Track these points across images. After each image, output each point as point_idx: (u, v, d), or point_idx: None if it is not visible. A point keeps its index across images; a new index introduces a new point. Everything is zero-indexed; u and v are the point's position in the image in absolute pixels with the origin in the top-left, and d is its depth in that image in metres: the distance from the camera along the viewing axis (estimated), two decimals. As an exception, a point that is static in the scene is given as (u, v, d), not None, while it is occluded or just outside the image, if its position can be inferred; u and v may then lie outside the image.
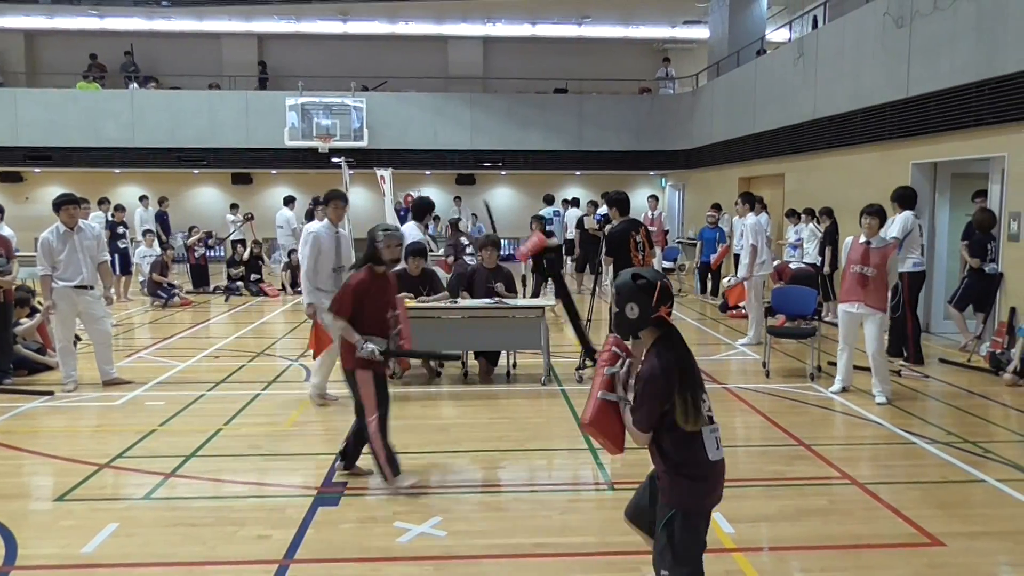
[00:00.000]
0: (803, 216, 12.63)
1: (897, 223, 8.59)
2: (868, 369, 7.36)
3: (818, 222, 11.95)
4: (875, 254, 6.95)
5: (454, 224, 13.43)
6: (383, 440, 4.94)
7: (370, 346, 4.86)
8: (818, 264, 11.58)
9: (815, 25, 15.90)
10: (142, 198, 17.14)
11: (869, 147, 11.87)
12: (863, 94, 11.96)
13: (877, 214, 7.03)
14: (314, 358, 7.07)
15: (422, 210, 8.62)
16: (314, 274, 6.81)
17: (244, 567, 3.95)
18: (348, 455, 5.21)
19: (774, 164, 15.42)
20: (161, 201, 17.94)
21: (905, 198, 8.66)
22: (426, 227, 8.74)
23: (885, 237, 8.93)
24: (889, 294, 7.27)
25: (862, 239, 7.09)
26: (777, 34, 19.55)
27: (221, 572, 3.91)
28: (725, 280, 12.41)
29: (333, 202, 6.85)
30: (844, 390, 7.39)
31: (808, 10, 16.89)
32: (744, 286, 10.27)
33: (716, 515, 4.48)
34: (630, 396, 3.06)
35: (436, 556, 4.08)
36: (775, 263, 11.42)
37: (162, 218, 17.52)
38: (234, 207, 19.01)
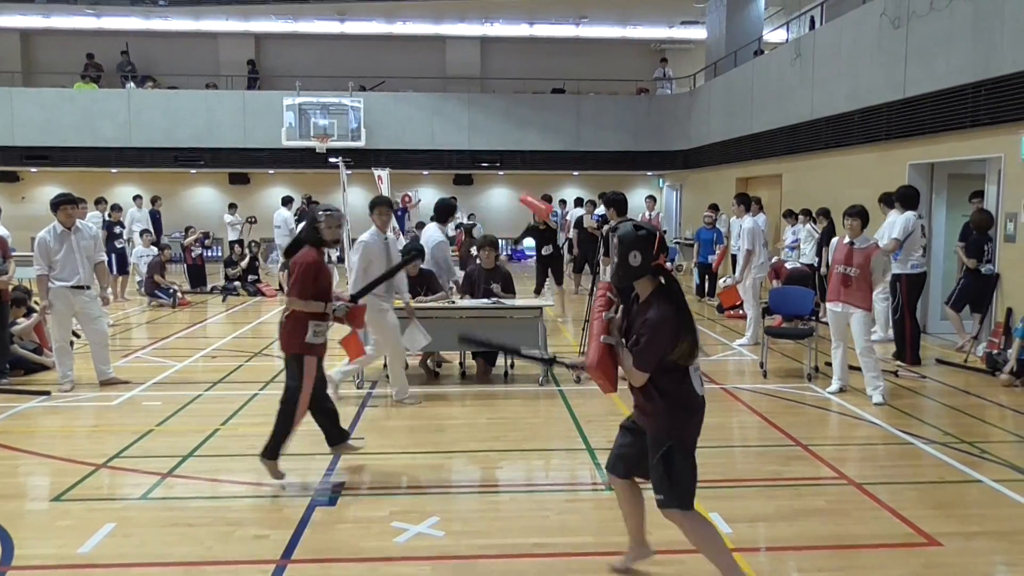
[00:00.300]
0: (800, 217, 12.64)
1: (898, 224, 8.60)
2: (854, 368, 7.41)
3: (815, 223, 11.97)
4: (858, 254, 7.02)
5: (468, 230, 13.44)
6: (297, 422, 5.00)
7: (341, 307, 5.06)
8: (815, 264, 11.60)
9: (812, 26, 15.93)
10: (135, 197, 17.06)
11: (866, 148, 11.89)
12: (860, 95, 11.98)
13: (859, 215, 7.10)
14: (350, 363, 7.05)
15: (445, 212, 8.41)
16: (363, 282, 6.74)
17: (241, 567, 3.94)
18: (331, 435, 5.27)
19: (771, 164, 15.43)
20: (154, 200, 17.93)
21: (907, 198, 8.69)
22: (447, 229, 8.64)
23: (880, 237, 8.98)
24: (879, 294, 7.30)
25: (846, 239, 7.18)
26: (774, 35, 19.57)
27: (218, 572, 3.90)
28: (721, 281, 12.38)
29: (378, 208, 6.81)
30: (842, 390, 7.40)
31: (805, 11, 16.92)
32: (737, 288, 10.24)
33: (713, 515, 4.51)
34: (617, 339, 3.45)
35: (433, 556, 4.07)
36: (772, 260, 11.44)
37: (154, 217, 17.50)
38: (232, 207, 18.97)
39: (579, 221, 15.92)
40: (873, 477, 5.21)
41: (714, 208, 14.12)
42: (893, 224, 8.74)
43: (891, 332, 9.37)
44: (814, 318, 8.40)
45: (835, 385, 7.45)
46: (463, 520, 4.52)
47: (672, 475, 3.42)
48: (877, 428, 6.39)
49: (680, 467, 3.44)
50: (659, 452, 3.42)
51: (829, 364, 8.02)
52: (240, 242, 16.89)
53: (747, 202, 10.65)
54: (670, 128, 21.25)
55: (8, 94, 20.70)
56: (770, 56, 16.50)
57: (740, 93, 17.08)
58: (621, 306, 3.50)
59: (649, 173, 23.38)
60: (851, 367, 7.48)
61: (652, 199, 16.28)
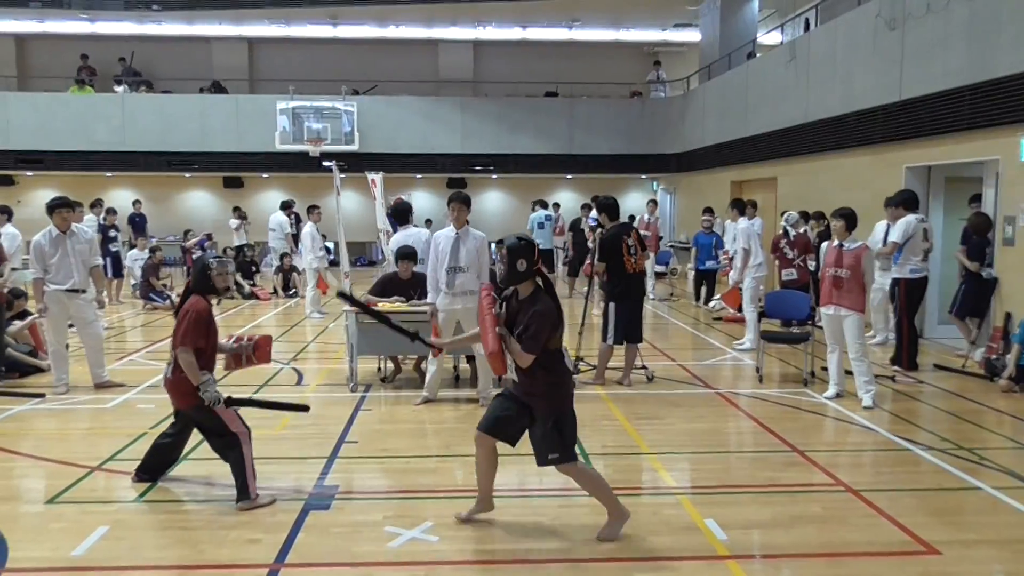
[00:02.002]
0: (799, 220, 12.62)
1: (898, 227, 8.59)
2: (849, 373, 7.39)
3: (812, 227, 11.95)
4: (848, 256, 7.06)
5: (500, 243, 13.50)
6: (249, 458, 4.77)
7: (212, 392, 4.73)
8: (811, 268, 11.59)
9: (807, 28, 15.96)
10: (93, 204, 15.34)
11: (862, 150, 11.90)
12: (855, 97, 12.00)
13: (844, 217, 7.15)
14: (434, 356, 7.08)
15: (404, 213, 8.78)
16: (433, 274, 6.95)
17: (234, 571, 3.92)
18: (238, 492, 4.74)
19: (766, 168, 15.45)
20: (135, 203, 17.86)
21: (909, 201, 8.69)
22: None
23: (875, 241, 8.98)
24: (872, 296, 7.31)
25: (835, 242, 7.21)
26: (768, 37, 19.61)
27: (211, 578, 3.88)
28: (715, 301, 12.35)
29: (451, 204, 6.92)
30: (838, 395, 7.39)
31: (800, 12, 16.95)
32: (739, 290, 10.26)
33: (709, 521, 4.51)
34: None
35: (427, 561, 4.05)
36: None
37: (134, 220, 17.39)
38: (237, 211, 18.46)
39: (575, 224, 15.91)
40: (870, 484, 5.21)
41: (710, 212, 14.11)
42: (892, 228, 8.74)
43: (891, 336, 9.37)
44: (810, 322, 8.39)
45: (832, 390, 7.44)
46: (457, 525, 4.49)
47: (564, 438, 4.20)
48: (874, 434, 6.38)
49: (567, 431, 4.22)
50: (551, 422, 4.18)
51: (826, 369, 8.03)
52: (248, 246, 16.80)
53: (741, 206, 10.66)
54: (663, 131, 21.27)
55: (3, 98, 20.63)
56: (764, 58, 16.52)
57: (734, 96, 17.10)
58: (504, 302, 4.29)
59: (643, 176, 23.40)
60: (848, 372, 7.47)
61: (654, 203, 16.24)
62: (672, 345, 10.34)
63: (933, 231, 9.29)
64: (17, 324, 8.53)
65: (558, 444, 4.19)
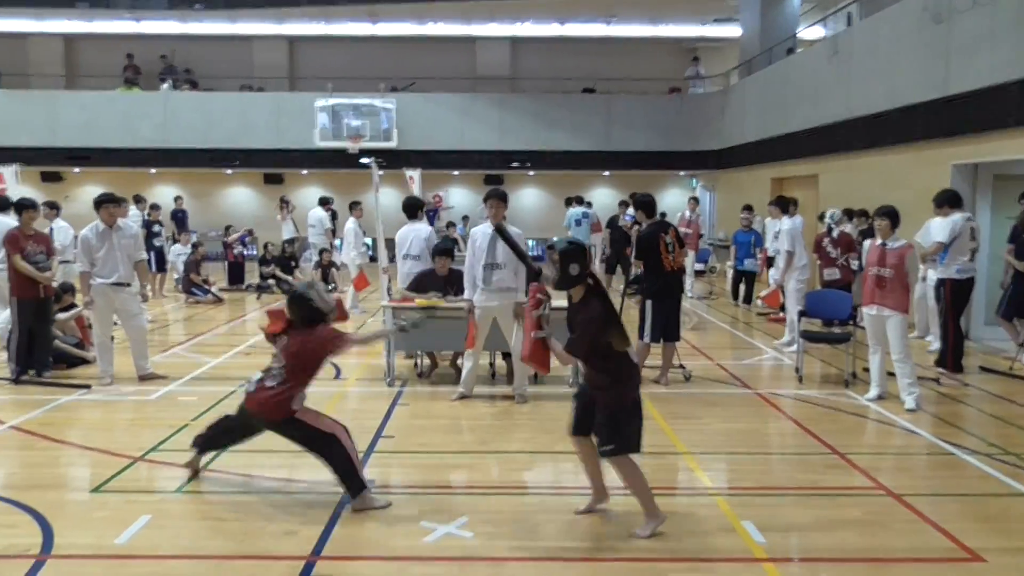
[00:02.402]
0: (842, 217, 12.37)
1: (944, 226, 8.39)
2: (892, 375, 7.23)
3: (855, 224, 11.72)
4: (891, 255, 6.93)
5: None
6: (352, 451, 4.68)
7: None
8: (854, 267, 11.37)
9: (849, 22, 15.66)
10: (137, 200, 15.48)
11: (905, 148, 11.65)
12: (899, 93, 11.74)
13: (888, 215, 7.02)
14: (469, 348, 7.16)
15: (412, 208, 8.85)
16: (470, 271, 7.03)
17: (271, 562, 3.97)
18: (348, 491, 4.67)
19: (807, 165, 15.21)
20: (176, 199, 18.19)
21: (953, 199, 8.49)
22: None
23: (922, 240, 8.78)
24: (915, 296, 7.15)
25: (878, 241, 7.08)
26: (810, 31, 19.29)
27: (249, 566, 3.94)
28: (763, 293, 11.98)
29: (488, 201, 6.93)
30: (880, 397, 7.25)
31: (842, 6, 16.64)
32: (780, 291, 10.09)
33: (746, 523, 4.46)
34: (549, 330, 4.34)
35: (461, 557, 4.07)
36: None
37: (176, 215, 17.68)
38: (283, 202, 18.13)
39: (612, 221, 15.83)
40: (912, 488, 5.10)
41: (749, 209, 13.91)
42: (937, 227, 8.54)
43: (931, 339, 9.17)
44: (852, 322, 8.24)
45: (873, 392, 7.30)
46: (492, 521, 4.50)
47: (619, 432, 4.29)
48: (917, 437, 6.25)
49: (624, 426, 4.30)
50: (607, 414, 4.31)
51: (867, 370, 7.89)
52: (293, 240, 16.96)
53: (784, 204, 10.45)
54: (702, 127, 21.05)
55: (52, 97, 21.18)
56: (806, 53, 16.26)
57: (774, 92, 16.86)
58: (548, 304, 4.41)
59: (681, 173, 23.19)
60: (890, 373, 7.33)
61: (695, 200, 16.05)
62: (710, 344, 10.23)
63: (980, 230, 9.05)
64: (63, 316, 8.75)
65: (613, 436, 4.30)
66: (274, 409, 4.61)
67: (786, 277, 9.80)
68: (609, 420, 4.29)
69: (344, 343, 4.75)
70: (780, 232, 10.11)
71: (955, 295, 8.44)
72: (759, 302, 12.91)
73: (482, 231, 7.01)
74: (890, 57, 12.10)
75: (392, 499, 4.83)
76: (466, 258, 7.13)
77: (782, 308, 10.84)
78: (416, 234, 8.53)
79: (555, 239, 4.42)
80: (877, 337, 7.17)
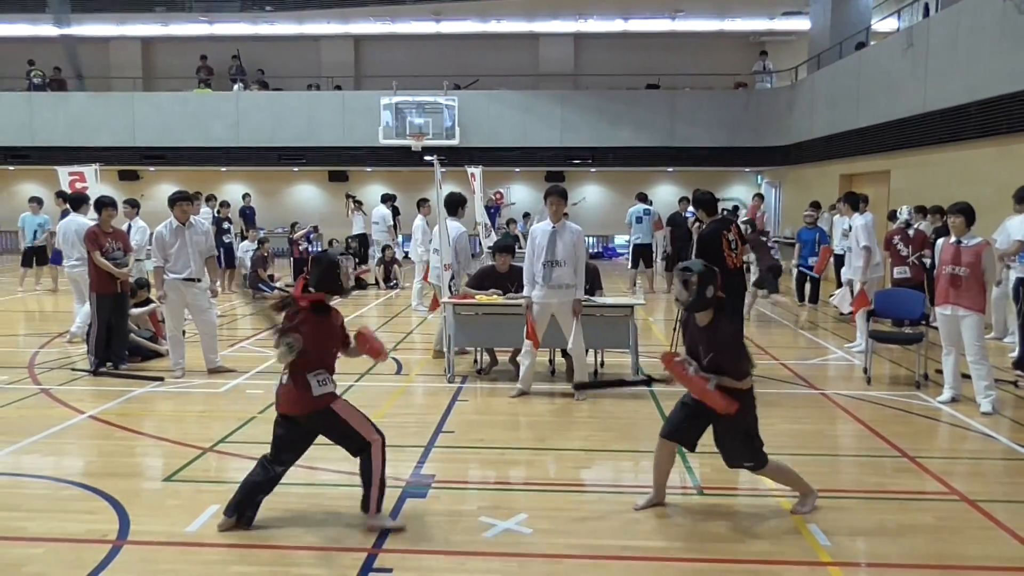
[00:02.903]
0: (916, 215, 11.95)
1: (1020, 224, 8.08)
2: (966, 377, 7.01)
3: (930, 221, 11.29)
4: (967, 253, 6.67)
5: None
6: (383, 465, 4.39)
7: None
8: (927, 266, 10.97)
9: (926, 13, 15.12)
10: (208, 198, 16.27)
11: (985, 142, 11.19)
12: (979, 85, 11.29)
13: (962, 212, 6.77)
14: (533, 348, 7.19)
15: (453, 205, 8.91)
16: (529, 268, 7.05)
17: (335, 554, 4.06)
18: (364, 504, 4.38)
19: (879, 160, 14.75)
20: (245, 197, 18.70)
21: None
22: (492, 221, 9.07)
23: (1000, 238, 8.43)
24: (992, 296, 6.84)
25: (952, 239, 6.82)
26: (883, 24, 18.68)
27: (312, 557, 4.03)
28: (837, 294, 11.38)
29: (549, 198, 6.99)
30: (954, 400, 7.00)
31: (918, -2, 16.09)
32: (864, 291, 9.66)
33: (811, 526, 4.36)
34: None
35: (520, 553, 4.08)
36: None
37: (245, 212, 18.16)
38: (353, 200, 18.29)
39: (673, 218, 15.63)
40: (988, 494, 4.91)
41: (815, 206, 13.55)
42: (1014, 224, 8.20)
43: (1010, 340, 8.79)
44: (924, 322, 7.96)
45: (947, 394, 7.04)
46: (551, 518, 4.51)
47: (754, 447, 4.40)
48: (993, 441, 6.01)
49: (757, 439, 4.41)
50: (740, 434, 4.36)
51: (940, 371, 7.61)
52: (361, 236, 17.24)
53: (855, 201, 10.11)
54: (769, 123, 20.61)
55: (130, 98, 22.04)
56: (879, 46, 15.76)
57: (845, 86, 16.39)
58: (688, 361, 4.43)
59: (747, 170, 22.76)
60: (964, 375, 7.06)
61: (759, 197, 15.76)
62: (774, 343, 10.03)
63: None
64: (138, 311, 9.09)
65: (751, 453, 4.42)
66: (296, 401, 4.32)
67: (865, 275, 9.36)
68: (746, 439, 4.39)
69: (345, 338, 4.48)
70: (854, 228, 9.67)
71: None
72: (839, 305, 12.35)
73: (542, 228, 7.00)
74: (970, 49, 11.64)
75: (452, 494, 4.89)
76: (526, 255, 7.14)
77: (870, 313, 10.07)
78: (453, 230, 8.63)
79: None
80: (951, 338, 6.91)
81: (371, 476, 4.33)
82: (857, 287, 9.12)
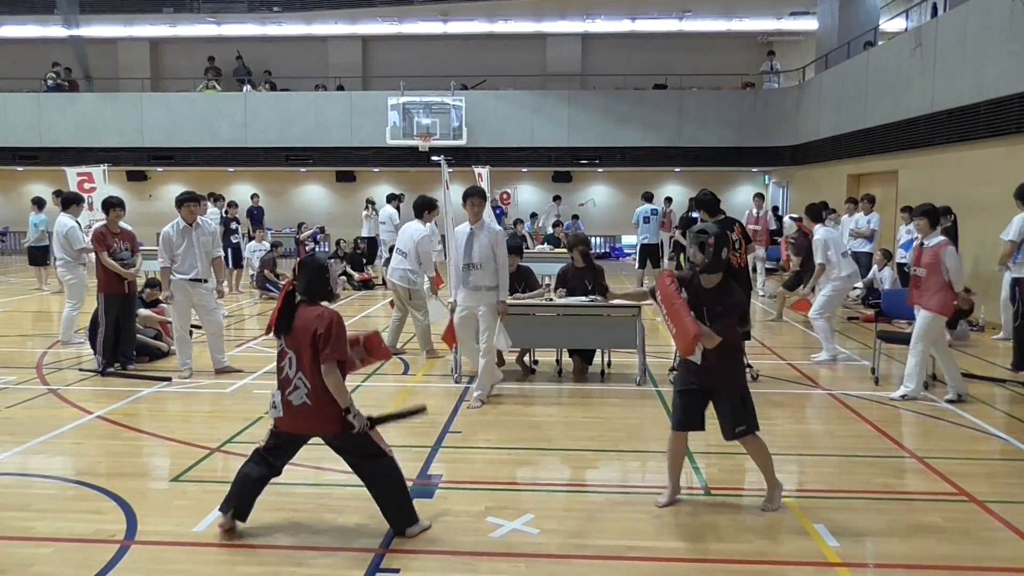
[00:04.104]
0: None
1: (1014, 224, 8.11)
2: (982, 378, 7.01)
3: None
4: (927, 253, 6.84)
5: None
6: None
7: (361, 416, 4.16)
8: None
9: (934, 13, 15.06)
10: (216, 199, 16.17)
11: (994, 142, 11.14)
12: (988, 85, 11.23)
13: (925, 214, 6.96)
14: (450, 348, 7.13)
15: (421, 207, 8.92)
16: (456, 270, 7.01)
17: (341, 554, 4.06)
18: (399, 523, 4.27)
19: (887, 160, 14.70)
20: (253, 197, 18.75)
21: None
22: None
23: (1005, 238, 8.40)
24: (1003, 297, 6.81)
25: (918, 241, 7.02)
26: (891, 24, 18.62)
27: (319, 557, 4.03)
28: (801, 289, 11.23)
29: (469, 199, 6.88)
30: (959, 398, 6.99)
31: (926, -3, 16.03)
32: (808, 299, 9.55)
33: (819, 527, 4.34)
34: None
35: (528, 554, 4.08)
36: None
37: (252, 213, 18.20)
38: (373, 205, 18.02)
39: (683, 220, 15.61)
40: (997, 495, 4.88)
41: (825, 207, 13.48)
42: (1014, 224, 8.20)
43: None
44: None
45: (951, 393, 7.08)
46: (558, 519, 4.50)
47: (748, 409, 4.55)
48: (1003, 442, 5.98)
49: (751, 402, 4.57)
50: (738, 397, 4.53)
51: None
52: (369, 239, 17.22)
53: (815, 212, 9.41)
54: (777, 123, 20.57)
55: (138, 99, 22.13)
56: (887, 46, 15.71)
57: (853, 86, 16.34)
58: (683, 286, 4.50)
59: (754, 170, 22.71)
60: (971, 375, 7.03)
61: (760, 196, 15.72)
62: (782, 343, 9.99)
63: None
64: (145, 312, 9.12)
65: (744, 416, 4.54)
66: (324, 422, 4.14)
67: (818, 284, 9.04)
68: (742, 402, 4.52)
69: (340, 342, 4.07)
70: (813, 242, 9.19)
71: None
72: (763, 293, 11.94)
73: (461, 230, 6.88)
74: (978, 49, 11.58)
75: (459, 495, 4.89)
76: (451, 258, 7.04)
77: (878, 314, 9.77)
78: (410, 232, 8.73)
79: (705, 224, 4.65)
80: (935, 338, 7.02)
81: (398, 487, 4.22)
82: (820, 294, 8.93)
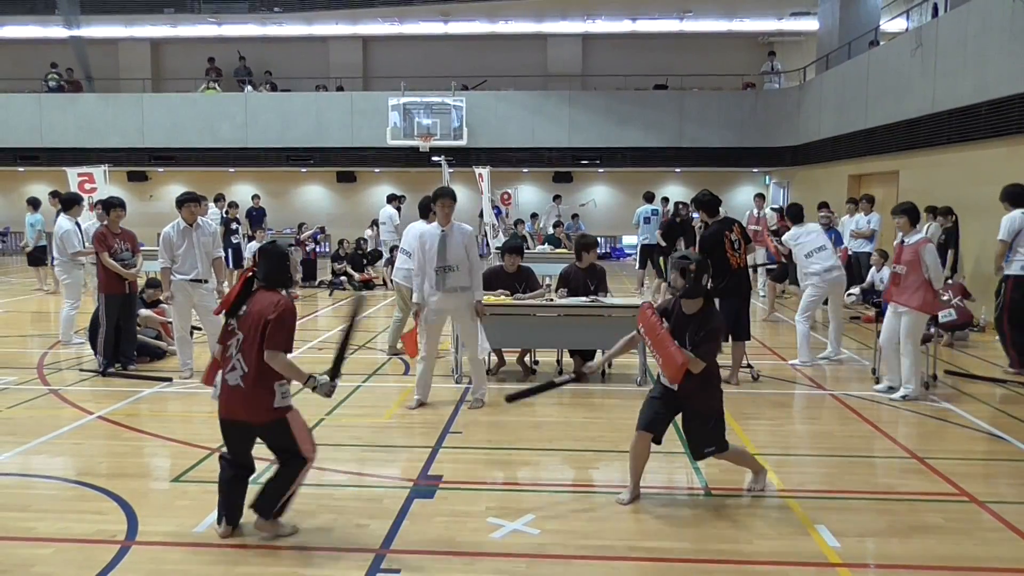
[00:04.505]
0: (925, 215, 11.86)
1: (1003, 224, 8.18)
2: (983, 378, 7.06)
3: (939, 223, 11.22)
4: (907, 251, 6.94)
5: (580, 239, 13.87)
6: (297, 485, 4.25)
7: (324, 383, 4.16)
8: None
9: (935, 13, 15.06)
10: (216, 199, 16.31)
11: (995, 142, 11.14)
12: (988, 86, 11.23)
13: (905, 212, 7.07)
14: (411, 356, 7.07)
15: (424, 209, 8.62)
16: (421, 272, 6.85)
17: (342, 554, 4.06)
18: (262, 506, 4.21)
19: (888, 161, 14.69)
20: (254, 198, 18.78)
21: (1014, 196, 8.27)
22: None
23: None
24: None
25: (899, 238, 7.13)
26: (892, 24, 18.62)
27: (321, 558, 4.03)
28: (851, 296, 10.94)
29: (439, 200, 6.78)
30: (891, 389, 7.25)
31: (927, -2, 16.03)
32: None
33: (820, 527, 4.34)
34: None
35: (528, 554, 4.08)
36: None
37: (252, 213, 18.22)
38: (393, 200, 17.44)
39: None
40: (999, 495, 4.89)
41: (826, 206, 13.46)
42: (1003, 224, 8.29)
43: None
44: (933, 324, 7.92)
45: (883, 384, 7.38)
46: (559, 519, 4.50)
47: (718, 433, 4.68)
48: (1002, 443, 5.98)
49: (722, 427, 4.73)
50: (710, 421, 4.66)
51: (949, 372, 7.62)
52: (365, 239, 17.21)
53: (794, 213, 9.10)
54: (778, 124, 20.56)
55: (139, 100, 22.13)
56: (888, 47, 15.71)
57: (854, 86, 16.34)
58: (663, 314, 4.68)
59: (755, 170, 22.71)
60: (975, 376, 7.04)
61: (761, 197, 15.70)
62: (782, 344, 9.99)
63: None
64: (146, 312, 9.12)
65: (715, 439, 4.68)
66: (254, 409, 4.09)
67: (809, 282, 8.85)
68: (715, 425, 4.66)
69: (285, 334, 4.08)
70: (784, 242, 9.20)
71: (1016, 291, 8.20)
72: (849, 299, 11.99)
73: (431, 232, 6.77)
74: (979, 49, 11.58)
75: (460, 495, 4.89)
76: (416, 259, 6.91)
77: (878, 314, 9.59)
78: (415, 232, 8.59)
79: (687, 251, 4.88)
80: (890, 332, 7.16)
81: (288, 483, 4.17)
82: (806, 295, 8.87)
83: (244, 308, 4.16)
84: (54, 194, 13.25)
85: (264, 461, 4.43)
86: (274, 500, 4.18)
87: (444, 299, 6.74)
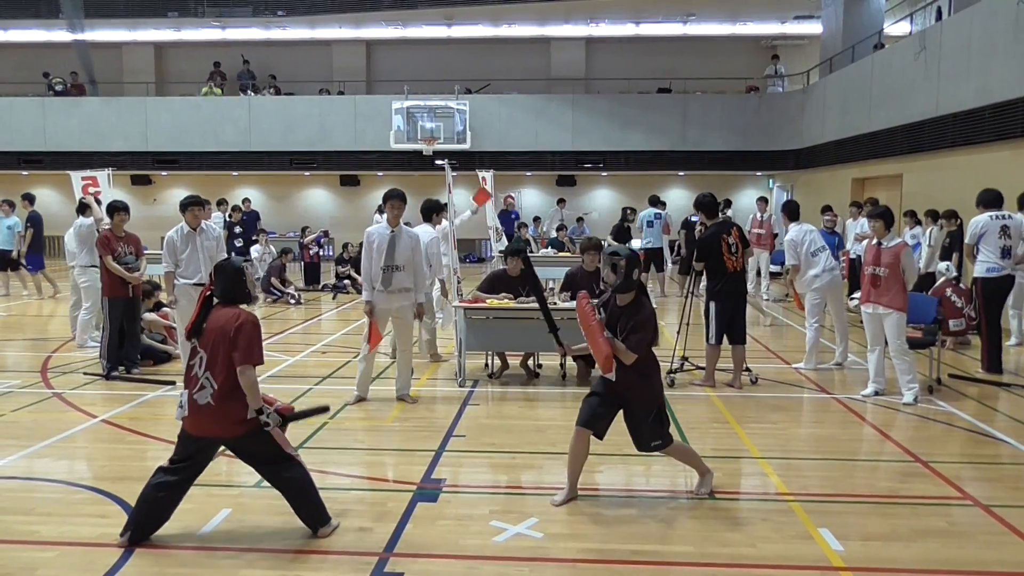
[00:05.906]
0: (925, 219, 11.86)
1: (969, 227, 8.34)
2: (987, 382, 7.03)
3: (940, 227, 11.19)
4: (886, 254, 7.00)
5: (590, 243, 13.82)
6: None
7: (273, 414, 4.15)
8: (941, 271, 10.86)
9: (939, 17, 15.05)
10: (219, 203, 16.82)
11: (998, 146, 11.13)
12: (992, 89, 11.22)
13: (881, 216, 7.11)
14: (369, 352, 7.14)
15: (429, 211, 8.93)
16: (368, 272, 6.99)
17: (345, 557, 4.06)
18: (313, 519, 4.30)
19: (891, 164, 14.68)
20: (244, 202, 18.81)
21: (984, 201, 8.46)
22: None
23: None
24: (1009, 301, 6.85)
25: (874, 241, 7.17)
26: (896, 27, 18.61)
27: (323, 561, 4.03)
28: (855, 299, 10.88)
29: (390, 202, 6.95)
30: (877, 393, 7.26)
31: (931, 1, 16.01)
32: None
33: (823, 531, 4.33)
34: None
35: (532, 558, 4.07)
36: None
37: (243, 219, 18.25)
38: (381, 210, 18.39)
39: (686, 222, 15.61)
40: (1003, 499, 4.87)
41: (830, 209, 13.44)
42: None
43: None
44: (937, 326, 7.91)
45: (871, 388, 7.34)
46: (562, 523, 4.50)
47: (663, 426, 4.74)
48: (1006, 446, 5.96)
49: (665, 419, 4.76)
50: (652, 414, 4.69)
51: (953, 376, 7.58)
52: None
53: (790, 210, 9.15)
54: (781, 127, 20.55)
55: (142, 103, 22.18)
56: (891, 50, 15.69)
57: (857, 90, 16.33)
58: (602, 307, 4.77)
59: (758, 173, 22.70)
60: (975, 379, 7.02)
61: (764, 200, 15.69)
62: (786, 347, 9.98)
63: (1020, 228, 8.54)
64: (150, 316, 9.13)
65: (659, 432, 4.73)
66: (229, 424, 4.11)
67: (798, 286, 8.91)
68: (656, 417, 4.70)
69: (255, 345, 4.07)
70: (784, 243, 9.14)
71: (986, 293, 8.34)
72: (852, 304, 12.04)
73: (379, 232, 6.93)
74: (983, 53, 11.58)
75: (463, 499, 4.89)
76: (363, 258, 7.08)
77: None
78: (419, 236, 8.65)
79: (616, 246, 4.89)
80: (875, 335, 7.22)
81: (307, 488, 4.24)
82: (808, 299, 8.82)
83: (204, 326, 4.15)
84: (26, 196, 14.00)
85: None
86: (315, 507, 4.27)
87: (387, 298, 6.90)
